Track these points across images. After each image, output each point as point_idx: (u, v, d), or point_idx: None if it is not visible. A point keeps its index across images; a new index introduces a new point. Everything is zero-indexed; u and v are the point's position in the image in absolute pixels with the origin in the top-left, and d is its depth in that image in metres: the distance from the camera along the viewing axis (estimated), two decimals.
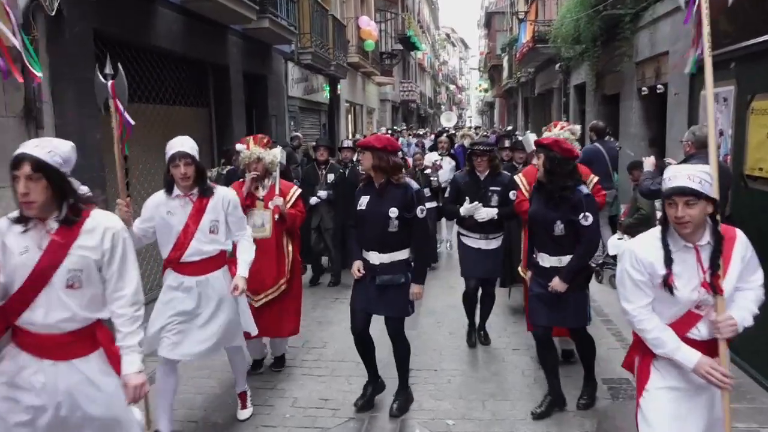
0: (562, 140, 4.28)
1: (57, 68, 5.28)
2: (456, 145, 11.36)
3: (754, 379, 4.86)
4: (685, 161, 5.46)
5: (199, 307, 3.83)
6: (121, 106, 3.95)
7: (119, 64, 3.95)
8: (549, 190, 4.10)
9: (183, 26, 7.62)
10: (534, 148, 4.90)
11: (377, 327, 4.42)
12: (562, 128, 5.38)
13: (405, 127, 26.68)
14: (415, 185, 4.27)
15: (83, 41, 5.66)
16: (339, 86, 17.15)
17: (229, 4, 7.92)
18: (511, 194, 5.29)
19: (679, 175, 2.50)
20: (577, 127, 5.44)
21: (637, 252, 2.63)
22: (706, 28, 2.92)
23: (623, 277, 2.69)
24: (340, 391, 4.83)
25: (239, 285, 3.88)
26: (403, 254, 4.23)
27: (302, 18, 12.84)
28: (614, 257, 6.68)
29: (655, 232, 2.65)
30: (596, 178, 5.32)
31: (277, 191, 4.87)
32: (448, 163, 9.15)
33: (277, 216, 4.82)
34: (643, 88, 8.84)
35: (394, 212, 4.10)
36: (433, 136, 18.07)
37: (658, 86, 8.14)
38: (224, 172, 7.61)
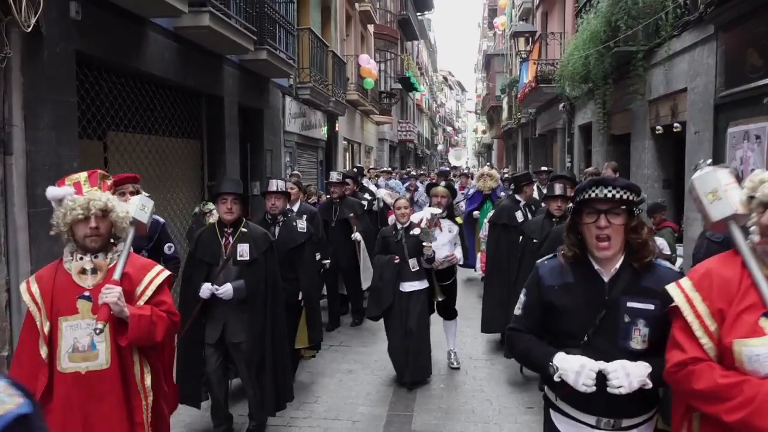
0: None
1: (32, 90, 4.81)
2: (472, 190, 9.56)
3: None
4: None
5: None
6: None
7: None
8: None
9: (176, 53, 7.21)
10: (736, 210, 2.05)
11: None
12: None
13: (372, 166, 19.05)
14: None
15: (64, 63, 5.23)
16: (337, 123, 16.84)
17: (226, 33, 7.54)
18: None
19: None
20: None
21: None
22: None
23: None
24: None
25: None
26: None
27: (301, 52, 12.55)
28: None
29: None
30: None
31: (116, 275, 2.65)
32: (447, 231, 5.97)
33: (100, 327, 2.53)
34: (657, 127, 8.46)
35: None
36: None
37: (675, 124, 7.75)
38: (206, 210, 6.14)
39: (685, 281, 2.05)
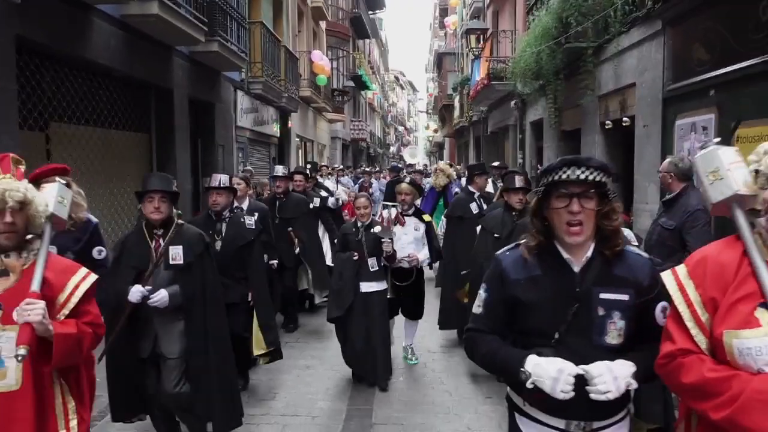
0: None
1: None
2: (427, 187, 9.43)
3: None
4: (673, 200, 4.43)
5: None
6: None
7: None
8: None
9: (122, 42, 6.96)
10: (738, 191, 1.78)
11: None
12: None
13: (324, 163, 17.32)
14: None
15: (3, 48, 4.97)
16: (290, 119, 16.64)
17: (175, 22, 7.31)
18: (659, 314, 2.00)
19: None
20: None
21: None
22: None
23: None
24: None
25: None
26: None
27: (253, 46, 12.34)
28: None
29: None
30: None
31: (36, 286, 2.16)
32: (413, 229, 5.73)
33: (22, 353, 2.04)
34: (607, 122, 8.65)
35: None
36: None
37: (624, 119, 7.93)
38: None
39: (681, 268, 1.84)
